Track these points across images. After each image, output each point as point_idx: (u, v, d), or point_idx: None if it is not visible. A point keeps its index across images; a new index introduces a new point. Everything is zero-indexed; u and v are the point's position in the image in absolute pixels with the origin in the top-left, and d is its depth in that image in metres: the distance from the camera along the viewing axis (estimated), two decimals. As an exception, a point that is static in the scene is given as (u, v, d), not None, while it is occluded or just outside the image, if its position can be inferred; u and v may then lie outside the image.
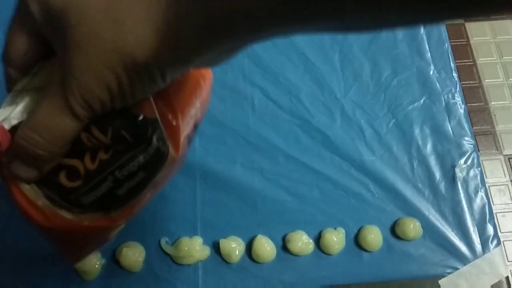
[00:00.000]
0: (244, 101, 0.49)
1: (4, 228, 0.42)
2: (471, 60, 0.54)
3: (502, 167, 0.49)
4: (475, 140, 0.49)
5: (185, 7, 0.19)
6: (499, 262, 0.44)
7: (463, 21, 0.58)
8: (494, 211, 0.46)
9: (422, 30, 0.54)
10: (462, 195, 0.46)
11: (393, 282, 0.42)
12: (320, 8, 0.17)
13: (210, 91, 0.33)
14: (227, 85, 0.50)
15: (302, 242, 0.43)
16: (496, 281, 0.43)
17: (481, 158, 0.48)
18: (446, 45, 0.53)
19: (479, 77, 0.53)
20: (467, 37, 0.55)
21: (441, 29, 0.54)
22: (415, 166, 0.47)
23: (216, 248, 0.43)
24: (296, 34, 0.21)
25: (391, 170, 0.47)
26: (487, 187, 0.47)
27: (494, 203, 0.47)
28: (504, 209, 0.47)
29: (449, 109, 0.50)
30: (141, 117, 0.24)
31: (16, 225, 0.42)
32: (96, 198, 0.25)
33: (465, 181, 0.47)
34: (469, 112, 0.51)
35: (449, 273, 0.43)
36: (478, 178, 0.47)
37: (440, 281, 0.42)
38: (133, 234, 0.42)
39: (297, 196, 0.45)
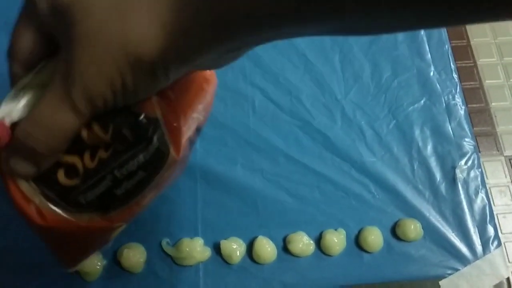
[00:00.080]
0: (244, 102, 0.49)
1: (4, 228, 0.42)
2: (471, 61, 0.54)
3: (503, 168, 0.49)
4: (476, 141, 0.49)
5: (196, 6, 0.19)
6: (500, 263, 0.44)
7: (464, 23, 0.57)
8: (494, 212, 0.46)
9: (422, 31, 0.54)
10: (462, 196, 0.46)
11: (393, 283, 0.42)
12: (320, 8, 0.17)
13: (213, 95, 0.33)
14: (227, 86, 0.50)
15: (302, 243, 0.43)
16: (497, 282, 0.43)
17: (481, 159, 0.48)
18: (447, 46, 0.53)
19: (479, 78, 0.53)
20: (468, 38, 0.55)
21: (441, 30, 0.54)
22: (415, 167, 0.47)
23: (217, 249, 0.43)
24: (296, 36, 0.21)
25: (391, 171, 0.47)
26: (487, 188, 0.47)
27: (495, 204, 0.47)
28: (505, 210, 0.47)
29: (450, 110, 0.50)
30: (142, 116, 0.24)
31: (16, 225, 0.42)
32: (94, 197, 0.25)
33: (466, 182, 0.47)
34: (470, 113, 0.51)
35: (449, 274, 0.43)
36: (479, 179, 0.47)
37: (440, 282, 0.42)
38: (134, 235, 0.42)
39: (297, 197, 0.45)
